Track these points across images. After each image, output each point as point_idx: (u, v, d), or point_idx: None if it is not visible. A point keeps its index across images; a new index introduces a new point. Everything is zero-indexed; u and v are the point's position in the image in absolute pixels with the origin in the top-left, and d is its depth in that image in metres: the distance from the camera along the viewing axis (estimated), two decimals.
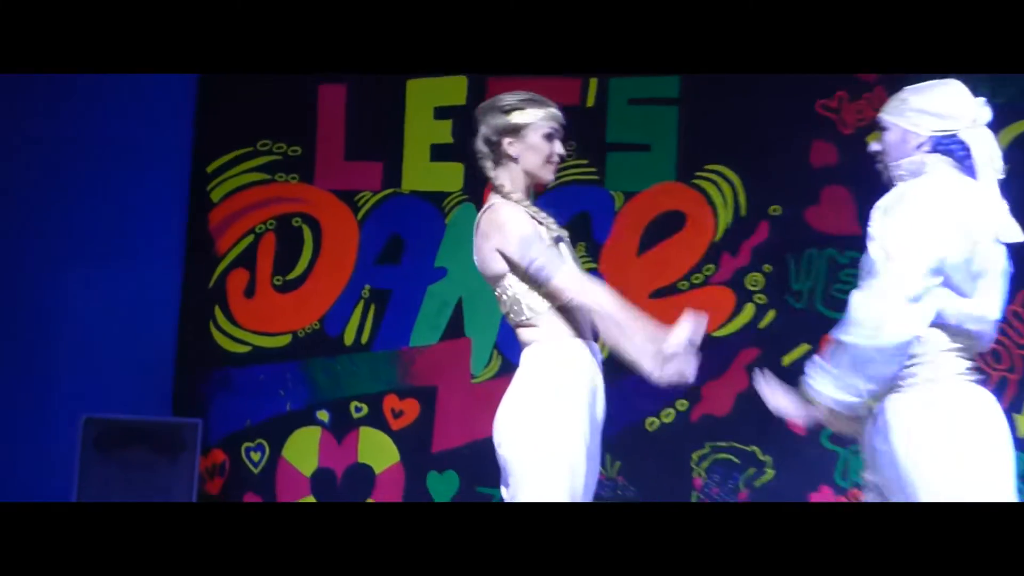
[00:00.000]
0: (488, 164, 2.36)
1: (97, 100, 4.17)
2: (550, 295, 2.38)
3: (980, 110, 2.19)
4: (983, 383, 2.06)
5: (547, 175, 2.46)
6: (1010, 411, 3.26)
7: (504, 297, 2.45)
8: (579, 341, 2.38)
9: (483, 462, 3.52)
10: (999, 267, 2.13)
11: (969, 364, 2.11)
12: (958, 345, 2.06)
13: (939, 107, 2.22)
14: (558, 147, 2.43)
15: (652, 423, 3.65)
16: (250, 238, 4.17)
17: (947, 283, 2.08)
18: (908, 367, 2.13)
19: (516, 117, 2.41)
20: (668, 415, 3.59)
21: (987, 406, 2.10)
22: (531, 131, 2.42)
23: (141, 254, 4.19)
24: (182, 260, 4.22)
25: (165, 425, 4.00)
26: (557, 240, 2.47)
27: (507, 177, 2.46)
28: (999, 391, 3.35)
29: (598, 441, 2.50)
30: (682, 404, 3.62)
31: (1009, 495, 2.07)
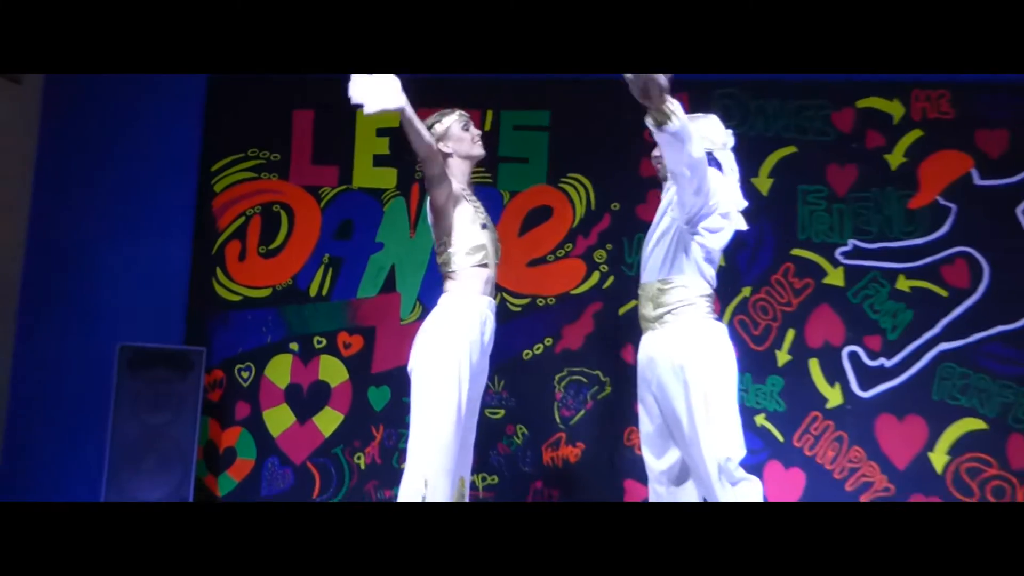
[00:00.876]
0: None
1: (134, 117, 4.95)
2: (471, 258, 3.01)
3: (728, 137, 3.12)
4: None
5: (477, 151, 3.09)
6: (772, 348, 4.43)
7: (442, 252, 3.08)
8: (481, 296, 3.03)
9: (408, 380, 4.56)
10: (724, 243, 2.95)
11: (710, 307, 2.96)
12: (707, 293, 2.97)
13: (705, 132, 2.95)
14: (473, 129, 3.05)
15: (527, 354, 4.45)
16: (242, 219, 4.88)
17: (708, 256, 2.93)
18: (674, 309, 3.18)
19: (437, 128, 3.04)
20: (539, 348, 4.45)
21: (724, 335, 2.98)
22: (451, 129, 3.05)
23: (163, 228, 4.93)
24: (192, 233, 4.93)
25: (179, 352, 4.63)
26: (483, 226, 3.12)
27: (454, 174, 3.05)
28: (765, 335, 4.48)
29: (486, 366, 3.09)
30: (548, 341, 4.47)
31: (733, 395, 2.91)
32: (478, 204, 3.10)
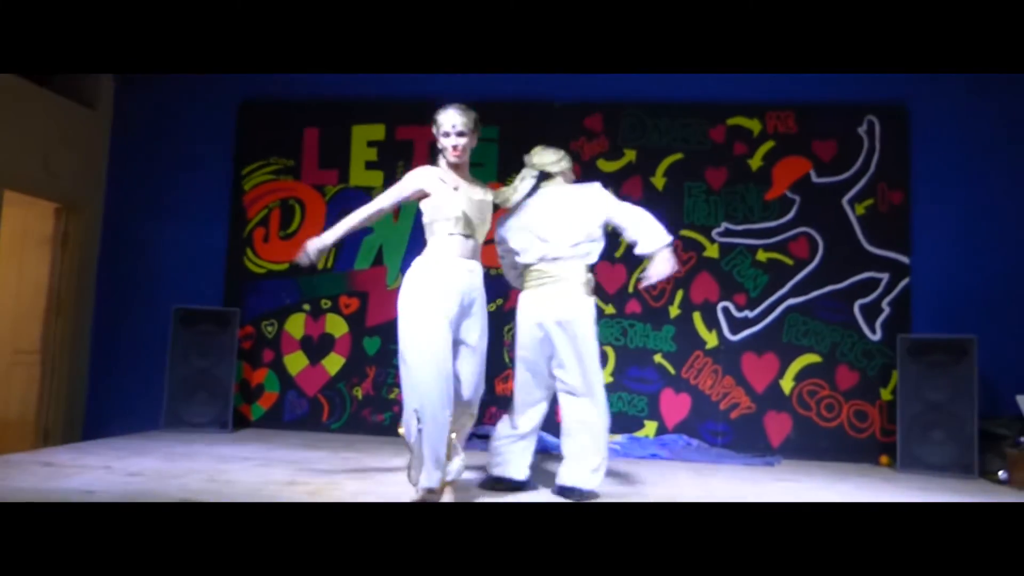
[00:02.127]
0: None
1: (183, 133, 5.77)
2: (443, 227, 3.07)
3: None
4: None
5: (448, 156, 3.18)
6: (666, 304, 5.33)
7: (425, 218, 3.17)
8: (458, 259, 3.10)
9: (392, 332, 5.38)
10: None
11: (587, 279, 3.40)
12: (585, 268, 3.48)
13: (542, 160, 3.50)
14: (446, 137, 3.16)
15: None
16: (265, 210, 5.74)
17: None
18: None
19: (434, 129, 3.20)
20: (492, 307, 4.63)
21: (591, 305, 3.42)
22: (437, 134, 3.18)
23: (205, 217, 5.74)
24: (228, 221, 5.75)
25: (220, 311, 5.31)
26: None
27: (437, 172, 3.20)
28: (660, 295, 5.31)
29: (475, 323, 3.17)
30: (499, 301, 4.98)
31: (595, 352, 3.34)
32: (459, 187, 3.16)
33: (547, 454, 4.69)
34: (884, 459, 5.15)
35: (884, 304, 5.31)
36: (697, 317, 5.45)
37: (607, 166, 5.62)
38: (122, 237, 5.81)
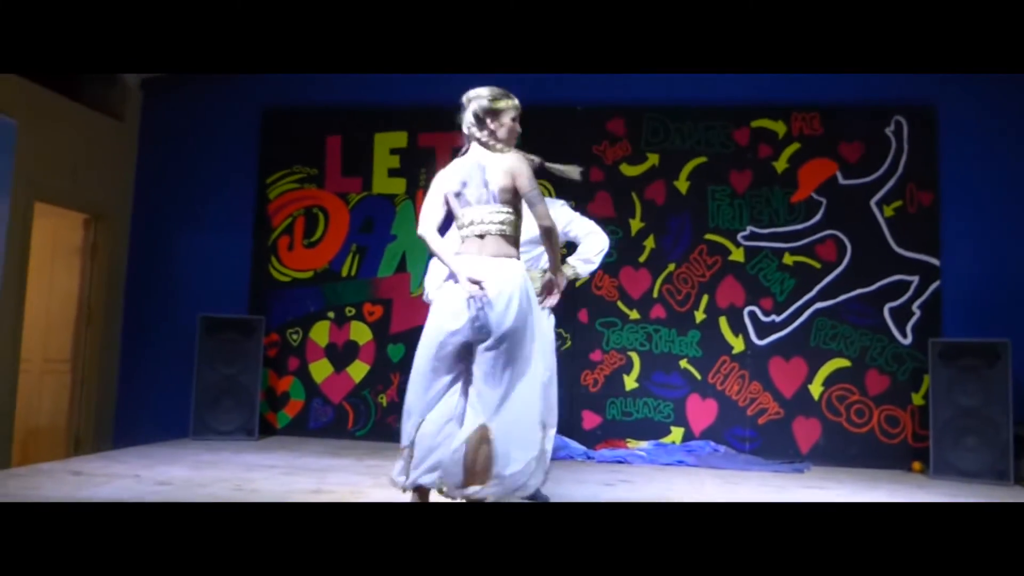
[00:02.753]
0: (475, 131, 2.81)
1: (208, 144, 5.85)
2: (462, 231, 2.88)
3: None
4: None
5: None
6: (692, 309, 5.29)
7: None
8: (475, 256, 2.79)
9: (416, 339, 5.43)
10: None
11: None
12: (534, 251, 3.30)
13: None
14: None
15: None
16: (289, 219, 5.78)
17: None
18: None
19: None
20: None
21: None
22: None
23: (231, 227, 5.81)
24: (253, 230, 5.80)
25: (245, 320, 5.33)
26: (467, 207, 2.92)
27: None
28: (686, 300, 5.29)
29: (486, 319, 2.73)
30: None
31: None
32: (468, 190, 2.90)
33: (568, 461, 4.66)
34: (916, 465, 5.07)
35: (914, 307, 5.24)
36: (723, 322, 5.40)
37: (630, 170, 5.59)
38: (149, 247, 5.90)
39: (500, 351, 2.73)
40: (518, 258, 2.87)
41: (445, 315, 2.82)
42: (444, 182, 2.92)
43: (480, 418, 2.76)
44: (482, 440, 2.73)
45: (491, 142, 2.83)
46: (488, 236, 2.82)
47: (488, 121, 2.82)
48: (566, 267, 3.43)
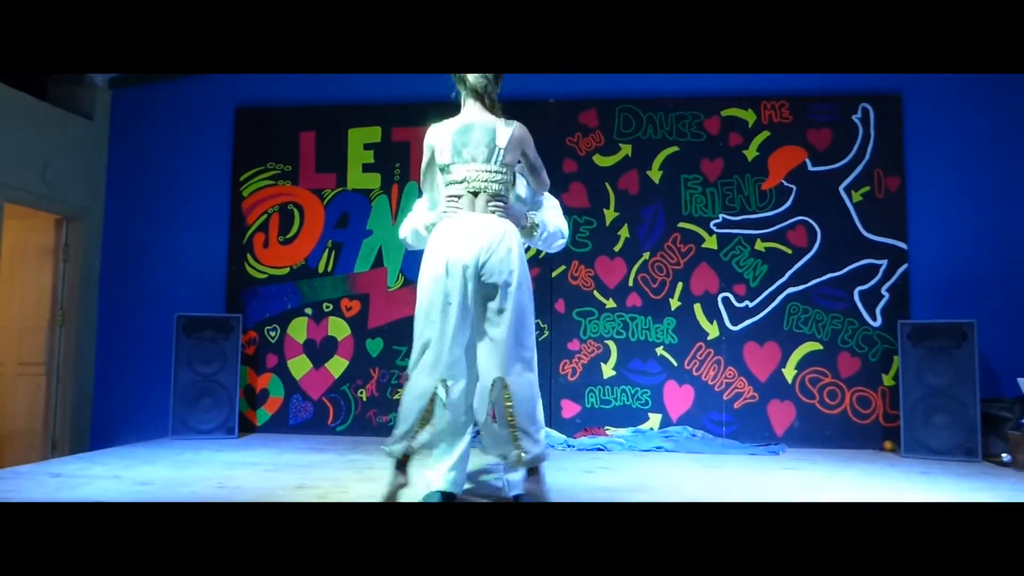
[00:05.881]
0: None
1: (180, 141, 5.79)
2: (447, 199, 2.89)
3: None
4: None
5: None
6: (667, 296, 5.34)
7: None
8: (461, 217, 2.81)
9: (394, 333, 5.41)
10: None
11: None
12: None
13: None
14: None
15: None
16: (264, 216, 5.73)
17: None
18: None
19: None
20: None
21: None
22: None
23: (206, 225, 5.75)
24: (228, 228, 5.74)
25: (222, 318, 5.29)
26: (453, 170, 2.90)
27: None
28: (661, 287, 5.34)
29: (488, 288, 2.77)
30: None
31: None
32: (467, 148, 2.91)
33: (548, 450, 4.70)
34: (888, 445, 5.18)
35: (883, 290, 5.33)
36: (698, 308, 5.47)
37: (603, 161, 5.63)
38: (123, 246, 5.85)
39: (507, 294, 2.76)
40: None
41: (449, 246, 2.82)
42: (438, 138, 2.95)
43: (496, 372, 2.78)
44: (504, 392, 2.77)
45: (497, 104, 2.95)
46: (482, 194, 2.87)
47: (498, 84, 2.96)
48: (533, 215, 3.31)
